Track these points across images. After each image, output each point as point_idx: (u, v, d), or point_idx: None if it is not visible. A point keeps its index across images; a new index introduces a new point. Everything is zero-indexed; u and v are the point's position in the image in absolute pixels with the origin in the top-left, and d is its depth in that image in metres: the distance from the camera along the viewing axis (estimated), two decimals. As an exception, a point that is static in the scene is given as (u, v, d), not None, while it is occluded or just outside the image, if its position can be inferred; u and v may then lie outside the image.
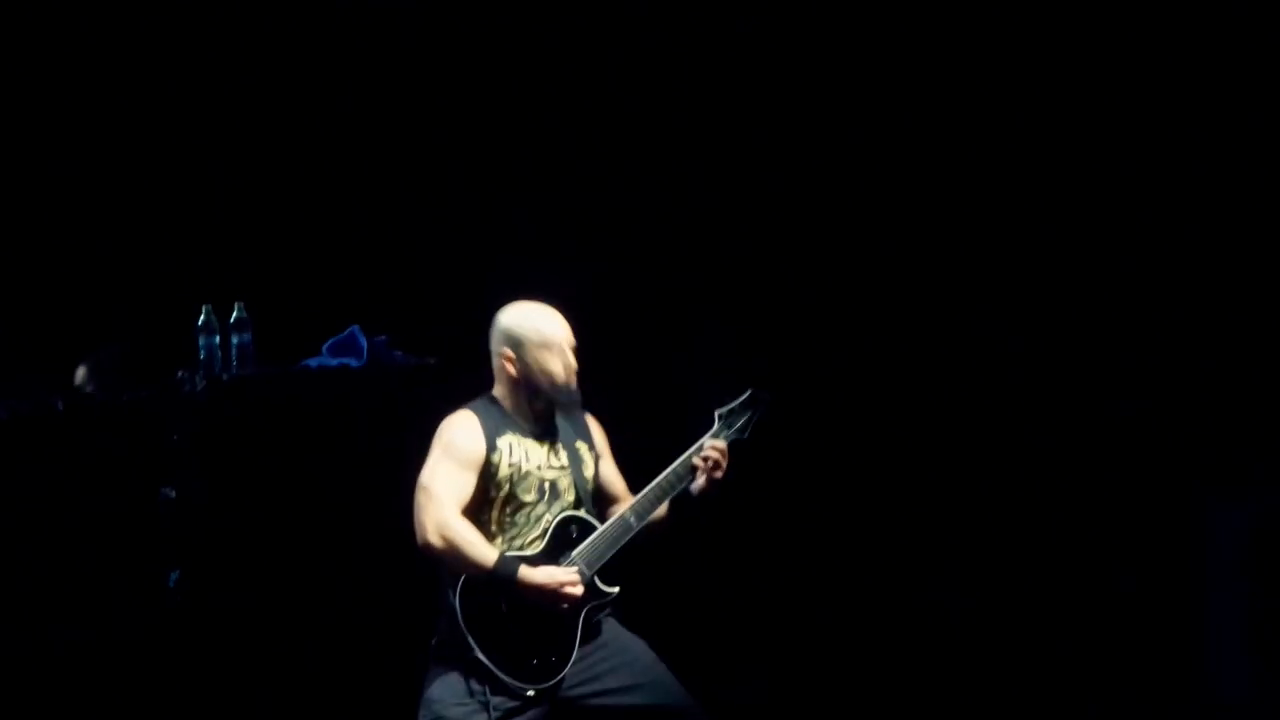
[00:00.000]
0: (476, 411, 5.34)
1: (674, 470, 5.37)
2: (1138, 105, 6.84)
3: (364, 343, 6.30)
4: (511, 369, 5.33)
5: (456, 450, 5.26)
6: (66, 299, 6.72)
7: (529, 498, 5.30)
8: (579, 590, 5.22)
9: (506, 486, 5.28)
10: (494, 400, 5.39)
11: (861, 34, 6.99)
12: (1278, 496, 6.58)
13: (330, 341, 6.34)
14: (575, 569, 5.26)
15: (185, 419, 6.09)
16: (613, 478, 5.54)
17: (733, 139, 7.08)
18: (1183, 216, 6.78)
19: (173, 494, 6.06)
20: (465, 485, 5.24)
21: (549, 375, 5.32)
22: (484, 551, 5.18)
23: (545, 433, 5.38)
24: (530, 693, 5.17)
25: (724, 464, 5.36)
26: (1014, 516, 6.92)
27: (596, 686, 5.27)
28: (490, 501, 5.28)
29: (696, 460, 5.35)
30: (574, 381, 5.34)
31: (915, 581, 6.97)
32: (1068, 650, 6.85)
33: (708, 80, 7.07)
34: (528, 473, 5.30)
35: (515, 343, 5.33)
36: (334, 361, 6.28)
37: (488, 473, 5.27)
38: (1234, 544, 6.62)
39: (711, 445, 5.37)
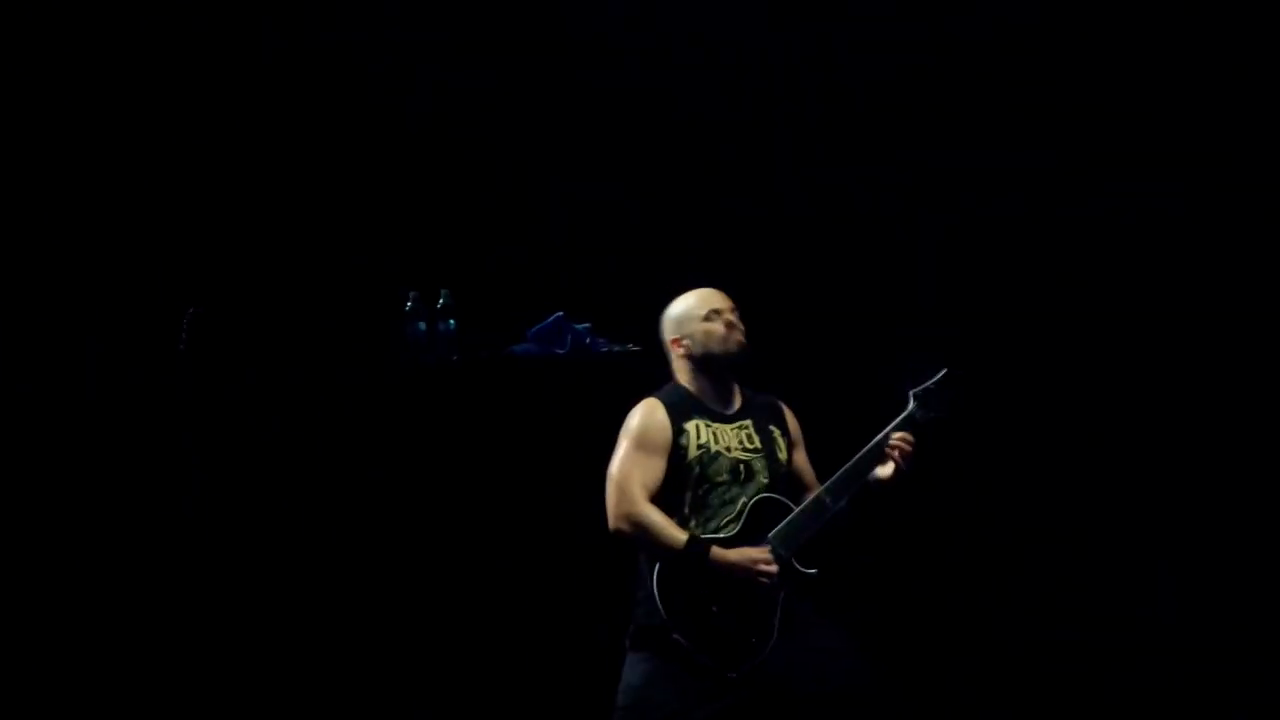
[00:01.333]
0: (662, 398, 5.39)
1: (869, 450, 5.33)
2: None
3: (569, 331, 6.36)
4: (682, 351, 5.42)
5: (642, 436, 5.32)
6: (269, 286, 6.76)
7: (721, 479, 5.31)
8: (774, 568, 5.22)
9: (697, 469, 5.30)
10: (679, 386, 5.44)
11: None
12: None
13: (535, 329, 6.39)
14: (769, 548, 5.25)
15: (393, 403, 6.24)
16: (804, 468, 5.52)
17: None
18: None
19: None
20: (653, 470, 5.28)
21: (716, 338, 5.39)
22: (674, 534, 5.21)
23: (737, 415, 5.41)
24: (732, 675, 5.16)
25: (910, 453, 5.32)
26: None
27: (797, 671, 5.24)
28: (682, 484, 5.30)
29: (887, 449, 5.32)
30: (742, 339, 5.40)
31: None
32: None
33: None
34: (718, 453, 5.32)
35: (678, 324, 5.45)
36: (538, 349, 6.34)
37: (676, 456, 5.30)
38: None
39: (898, 436, 5.32)
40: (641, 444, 5.29)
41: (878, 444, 5.33)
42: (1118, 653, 6.74)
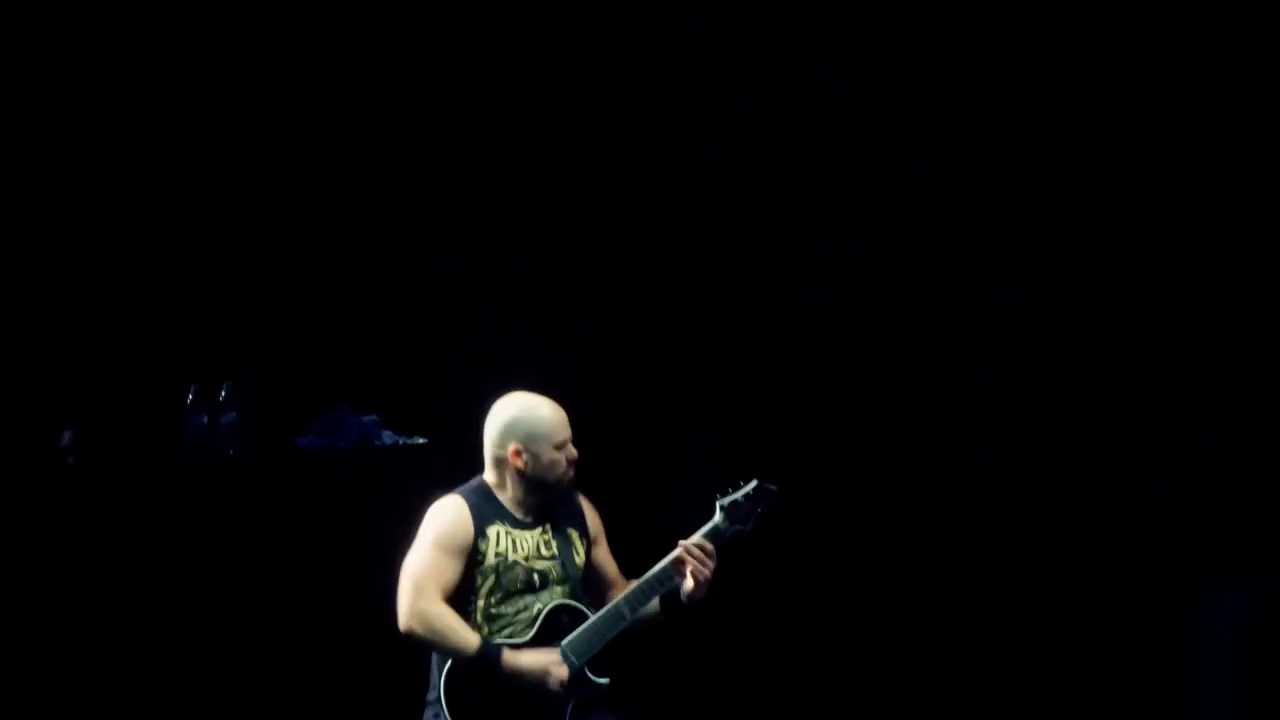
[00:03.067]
0: (466, 498, 5.27)
1: (671, 561, 5.26)
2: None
3: (354, 422, 6.32)
4: (519, 463, 5.26)
5: (443, 537, 5.20)
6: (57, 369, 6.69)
7: (517, 588, 5.22)
8: (564, 673, 5.15)
9: (493, 576, 5.21)
10: (485, 487, 5.32)
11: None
12: (1265, 586, 6.54)
13: (320, 420, 6.36)
14: (559, 654, 5.21)
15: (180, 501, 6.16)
16: (605, 563, 5.41)
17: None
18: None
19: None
20: (450, 572, 5.18)
21: (558, 472, 5.25)
22: (467, 637, 5.13)
23: (536, 521, 5.31)
24: None
25: (711, 562, 5.23)
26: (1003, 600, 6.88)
27: None
28: (476, 591, 5.21)
29: (685, 556, 5.21)
30: (572, 474, 5.29)
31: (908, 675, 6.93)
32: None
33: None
34: (515, 563, 5.23)
35: (526, 437, 5.24)
36: (321, 441, 6.30)
37: (474, 560, 5.21)
38: (1223, 634, 6.60)
39: (696, 545, 5.26)
40: (441, 543, 5.19)
41: (678, 555, 5.26)
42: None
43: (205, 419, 6.19)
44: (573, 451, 5.26)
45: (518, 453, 5.23)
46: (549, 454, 5.23)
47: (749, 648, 6.90)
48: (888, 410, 6.94)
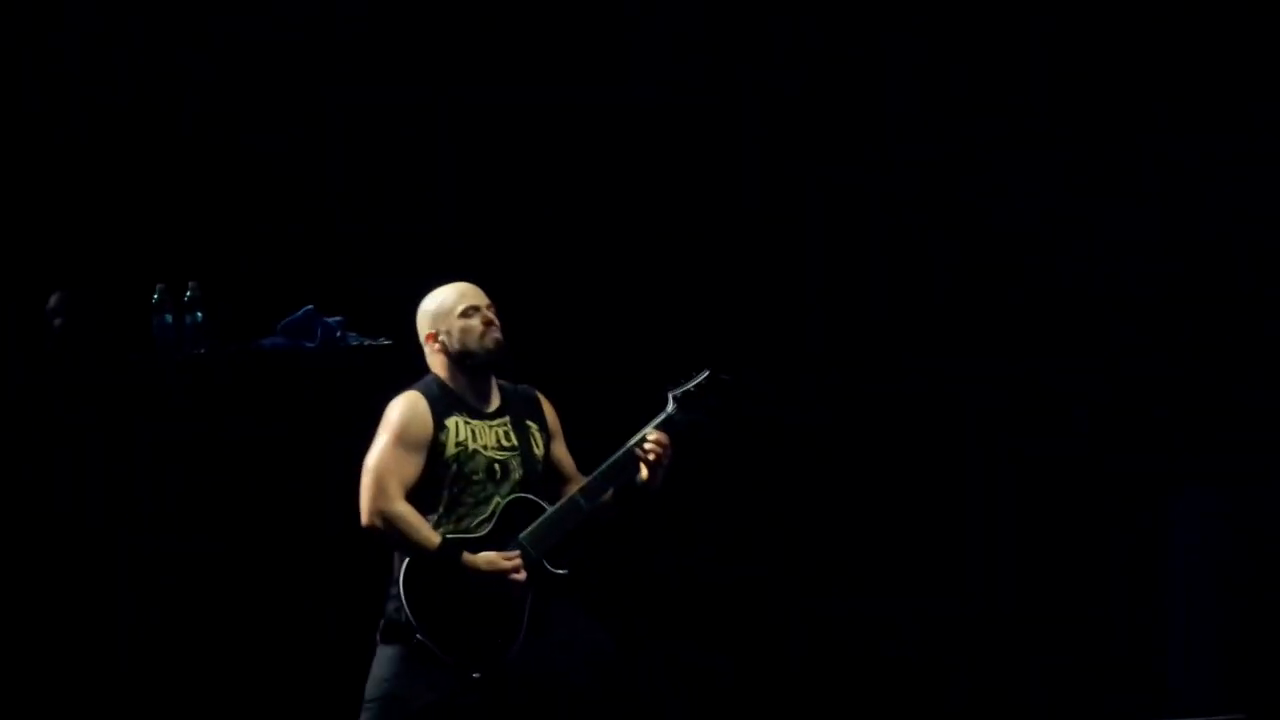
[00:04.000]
0: (423, 392, 5.33)
1: (625, 452, 5.30)
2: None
3: (319, 324, 6.29)
4: (438, 346, 5.35)
5: (402, 431, 5.25)
6: (18, 274, 6.62)
7: (477, 477, 5.27)
8: (520, 576, 5.20)
9: (454, 466, 5.26)
10: (439, 380, 5.37)
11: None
12: (1243, 491, 6.63)
13: (284, 322, 6.32)
14: (518, 552, 5.24)
15: (139, 397, 6.15)
16: (563, 458, 5.47)
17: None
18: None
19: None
20: (410, 466, 5.23)
21: (473, 335, 5.32)
22: (426, 535, 5.18)
23: (494, 413, 5.36)
24: (475, 675, 5.16)
25: (665, 456, 5.29)
26: (977, 510, 6.96)
27: (545, 668, 5.24)
28: (438, 481, 5.26)
29: (638, 452, 5.28)
30: (499, 336, 5.32)
31: (872, 577, 6.97)
32: (1037, 651, 6.89)
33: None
34: (475, 452, 5.28)
35: (434, 318, 5.35)
36: (287, 343, 6.27)
37: (434, 452, 5.25)
38: (1200, 539, 6.67)
39: (653, 439, 5.28)
40: (401, 439, 5.23)
41: (633, 446, 5.31)
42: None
43: (170, 318, 6.16)
44: (487, 315, 5.30)
45: (433, 336, 5.35)
46: (457, 324, 5.31)
47: (703, 540, 6.94)
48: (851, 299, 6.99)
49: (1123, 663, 6.82)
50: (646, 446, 5.29)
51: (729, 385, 5.34)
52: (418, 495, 5.24)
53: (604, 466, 5.32)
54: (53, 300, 6.41)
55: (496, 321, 5.33)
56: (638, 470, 5.30)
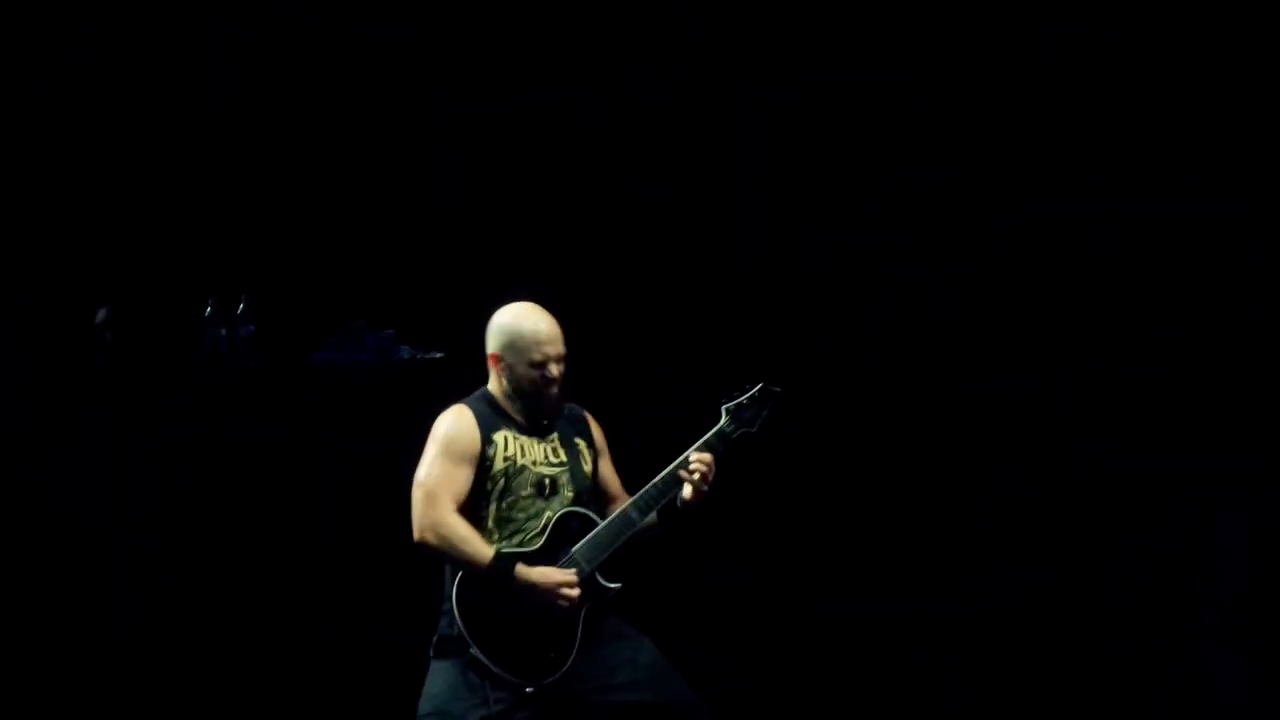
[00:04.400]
0: (471, 406, 5.31)
1: (678, 465, 5.28)
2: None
3: (370, 337, 6.33)
4: (498, 369, 5.32)
5: (451, 445, 5.23)
6: (70, 289, 6.65)
7: (525, 492, 5.24)
8: (575, 591, 5.17)
9: (502, 481, 5.24)
10: (489, 396, 5.35)
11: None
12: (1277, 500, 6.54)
13: (337, 335, 6.36)
14: (573, 568, 5.19)
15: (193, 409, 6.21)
16: (609, 476, 5.45)
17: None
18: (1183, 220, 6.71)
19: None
20: (461, 480, 5.21)
21: (532, 387, 5.28)
22: (479, 548, 5.16)
23: (543, 429, 5.34)
24: (529, 689, 5.12)
25: (708, 475, 5.26)
26: (1012, 518, 6.84)
27: (599, 683, 5.19)
28: (487, 496, 5.23)
29: (682, 472, 5.26)
30: (555, 393, 5.31)
31: (912, 582, 6.87)
32: (1068, 656, 6.77)
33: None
34: (523, 467, 5.26)
35: (504, 345, 5.30)
36: (340, 356, 6.30)
37: (483, 467, 5.23)
38: (1235, 548, 6.56)
39: (695, 459, 5.25)
40: (450, 452, 5.21)
41: (684, 459, 5.29)
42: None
43: (224, 331, 6.21)
44: (553, 371, 5.26)
45: (497, 358, 5.29)
46: (524, 368, 5.25)
47: (753, 554, 6.91)
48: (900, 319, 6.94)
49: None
50: (691, 466, 5.26)
51: (780, 397, 5.35)
52: (467, 510, 5.23)
53: (656, 480, 5.30)
54: (102, 314, 6.45)
55: (559, 378, 5.28)
56: (682, 487, 5.29)
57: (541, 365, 5.25)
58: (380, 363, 6.31)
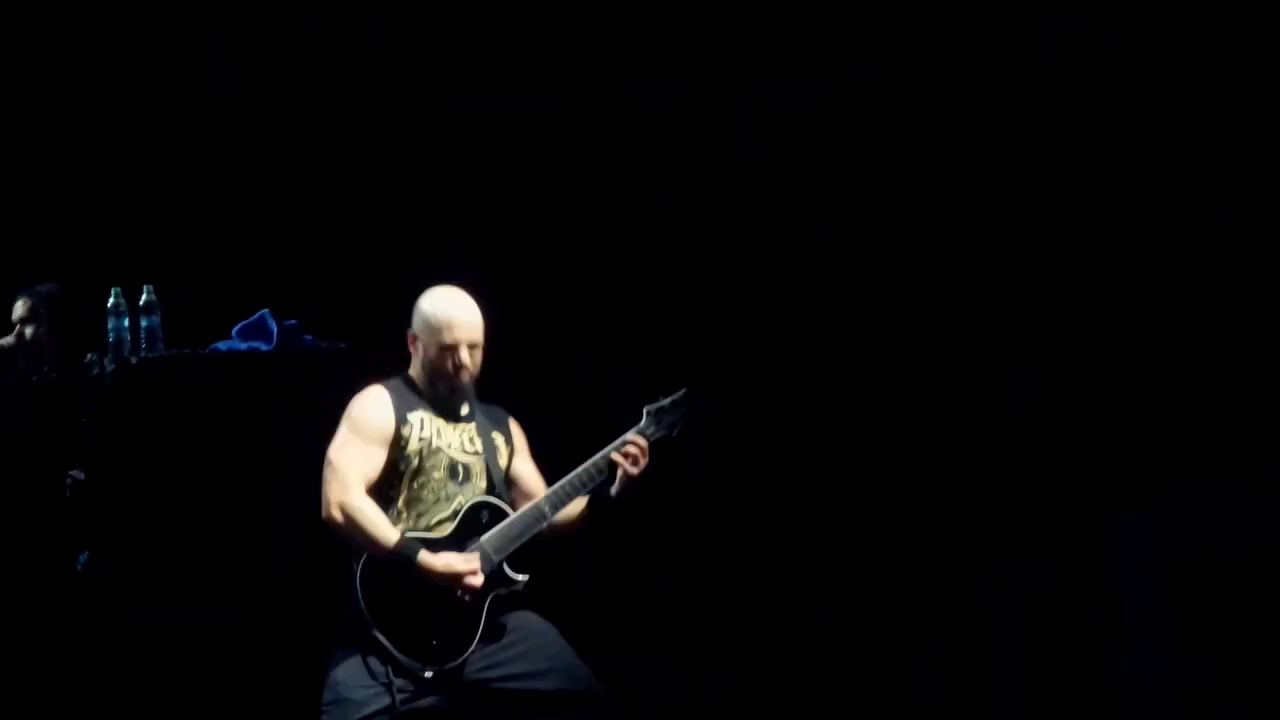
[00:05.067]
0: (388, 387, 5.31)
1: (594, 463, 5.28)
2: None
3: (274, 327, 6.22)
4: (414, 348, 5.34)
5: (364, 425, 5.23)
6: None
7: (438, 475, 5.25)
8: (477, 580, 5.16)
9: (416, 461, 5.23)
10: (408, 377, 5.37)
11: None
12: (1184, 509, 6.62)
13: (240, 325, 6.25)
14: (477, 555, 5.20)
15: (93, 402, 6.04)
16: (529, 475, 5.46)
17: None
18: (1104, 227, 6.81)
19: (81, 476, 6.03)
20: (372, 460, 5.20)
21: (440, 368, 5.29)
22: (385, 531, 5.14)
23: (460, 418, 5.35)
24: (428, 674, 5.12)
25: (643, 460, 5.27)
26: (921, 524, 6.94)
27: (502, 671, 5.21)
28: (399, 476, 5.23)
29: (615, 455, 5.26)
30: (466, 381, 5.31)
31: (825, 584, 6.97)
32: (987, 661, 6.89)
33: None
34: (438, 449, 5.26)
35: (420, 326, 5.32)
36: (243, 345, 6.21)
37: (397, 446, 5.22)
38: (1145, 556, 6.65)
39: (632, 440, 5.27)
40: (362, 432, 5.23)
41: (602, 457, 5.28)
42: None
43: (126, 322, 6.08)
44: (462, 356, 5.27)
45: (413, 338, 5.32)
46: (435, 350, 5.28)
47: (675, 554, 6.96)
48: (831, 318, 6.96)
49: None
50: (626, 449, 5.26)
51: (703, 403, 5.36)
52: (378, 490, 5.22)
53: (571, 476, 5.31)
54: (22, 307, 6.37)
55: (469, 366, 5.29)
56: (606, 481, 5.28)
57: (452, 349, 5.27)
58: (283, 353, 6.21)
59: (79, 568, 5.96)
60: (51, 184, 6.75)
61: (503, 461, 5.38)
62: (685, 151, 6.99)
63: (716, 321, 6.93)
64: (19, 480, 6.14)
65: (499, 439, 5.40)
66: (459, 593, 5.16)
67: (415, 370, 5.36)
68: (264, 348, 6.21)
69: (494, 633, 5.21)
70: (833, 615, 6.92)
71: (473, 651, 5.17)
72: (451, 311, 5.30)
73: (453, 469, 5.27)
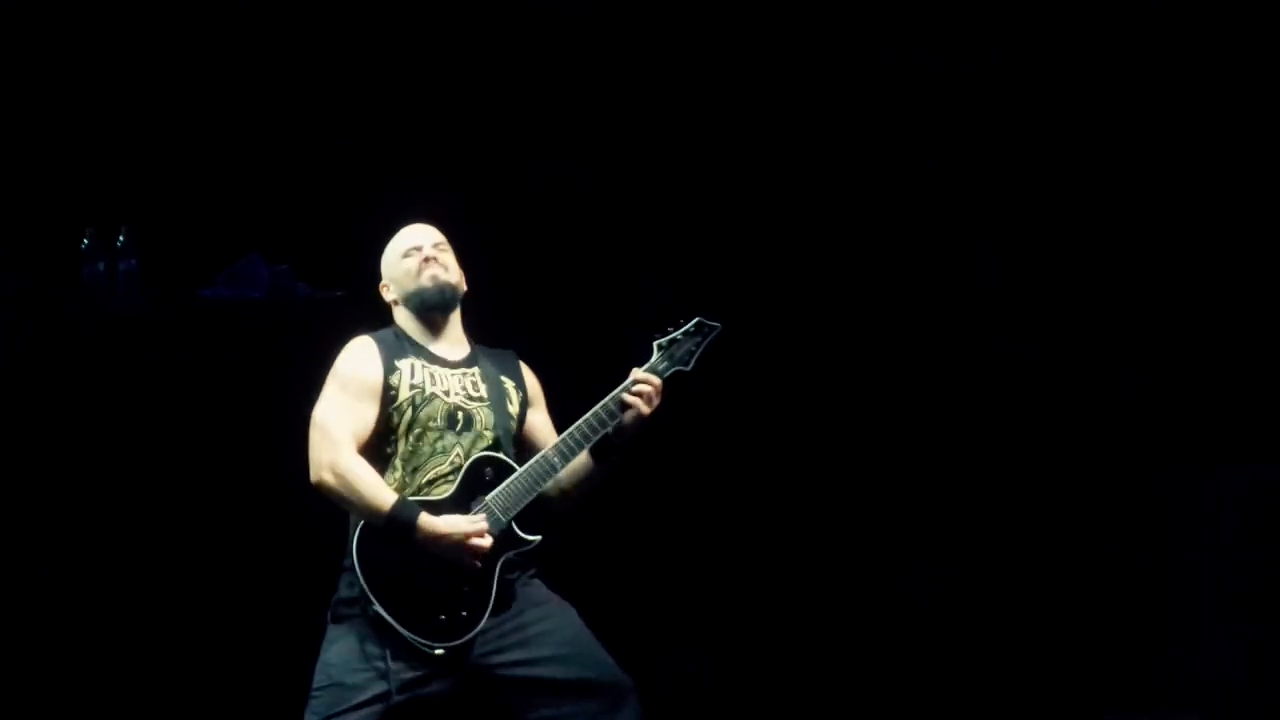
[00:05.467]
0: (376, 337, 5.05)
1: (604, 406, 4.97)
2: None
3: (265, 272, 6.08)
4: (390, 296, 5.11)
5: (350, 379, 4.95)
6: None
7: (434, 424, 4.93)
8: (485, 542, 4.82)
9: (409, 411, 4.93)
10: (396, 328, 5.11)
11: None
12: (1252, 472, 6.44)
13: (227, 270, 6.11)
14: (483, 516, 4.85)
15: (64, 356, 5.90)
16: (543, 427, 5.13)
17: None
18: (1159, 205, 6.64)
19: None
20: (362, 417, 4.91)
21: (409, 276, 5.05)
22: (380, 493, 4.82)
23: (460, 362, 5.06)
24: (438, 651, 4.77)
25: (656, 399, 4.96)
26: (981, 490, 6.68)
27: (515, 656, 4.86)
28: (394, 430, 4.93)
29: (627, 396, 4.94)
30: (439, 274, 5.05)
31: (874, 552, 6.71)
32: (1042, 631, 6.64)
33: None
34: (433, 395, 4.95)
35: (385, 267, 5.12)
36: (231, 293, 6.05)
37: (387, 398, 4.94)
38: (1210, 519, 6.50)
39: (643, 378, 4.96)
40: (349, 386, 4.93)
41: (612, 399, 4.96)
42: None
43: (102, 266, 5.90)
44: (426, 249, 5.06)
45: (385, 287, 5.13)
46: (400, 271, 5.07)
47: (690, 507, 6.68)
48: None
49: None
50: (639, 388, 4.96)
51: (717, 333, 5.08)
52: (372, 448, 4.92)
53: (580, 422, 4.98)
54: None
55: (439, 259, 5.07)
56: (615, 426, 4.97)
57: (414, 251, 5.08)
58: (274, 300, 6.06)
59: None
60: (20, 111, 6.42)
61: (512, 409, 5.07)
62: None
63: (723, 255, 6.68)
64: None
65: (508, 384, 5.10)
66: (466, 557, 4.80)
67: (400, 317, 5.11)
68: (254, 295, 6.06)
69: (506, 603, 4.86)
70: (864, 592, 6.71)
71: (484, 626, 4.82)
72: (404, 230, 5.15)
73: (451, 417, 4.95)
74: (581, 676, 4.87)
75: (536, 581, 4.97)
